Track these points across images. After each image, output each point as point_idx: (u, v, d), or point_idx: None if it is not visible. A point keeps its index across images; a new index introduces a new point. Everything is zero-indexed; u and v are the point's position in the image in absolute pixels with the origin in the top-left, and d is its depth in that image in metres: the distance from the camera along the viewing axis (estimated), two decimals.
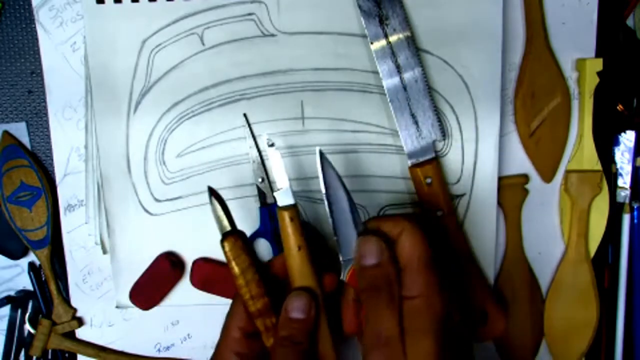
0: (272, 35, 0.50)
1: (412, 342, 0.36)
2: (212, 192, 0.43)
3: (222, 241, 0.42)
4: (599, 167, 0.53)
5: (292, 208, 0.42)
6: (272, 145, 0.43)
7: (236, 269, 0.41)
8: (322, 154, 0.41)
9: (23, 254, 0.57)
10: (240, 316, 0.43)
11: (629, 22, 0.55)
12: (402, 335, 0.36)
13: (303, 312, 0.41)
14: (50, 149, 0.55)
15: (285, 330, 0.41)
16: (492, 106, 0.51)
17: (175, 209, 0.53)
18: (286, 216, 0.41)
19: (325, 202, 0.41)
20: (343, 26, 0.50)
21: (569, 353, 0.55)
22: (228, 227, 0.42)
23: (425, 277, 0.37)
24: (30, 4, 0.53)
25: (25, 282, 0.57)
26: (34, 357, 0.57)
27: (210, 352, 0.56)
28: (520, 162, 0.54)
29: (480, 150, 0.51)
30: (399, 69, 0.50)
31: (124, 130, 0.52)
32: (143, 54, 0.51)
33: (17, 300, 0.57)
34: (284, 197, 0.42)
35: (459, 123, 0.51)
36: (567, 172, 0.54)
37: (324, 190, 0.41)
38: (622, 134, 0.55)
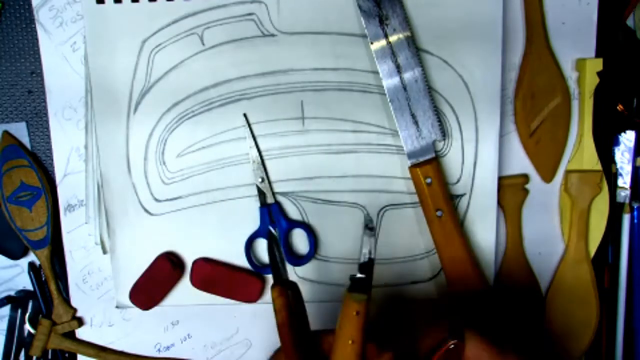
0: (272, 35, 0.50)
1: None
2: (272, 238, 0.41)
3: (271, 288, 0.40)
4: (599, 167, 0.53)
5: (363, 302, 0.37)
6: (371, 228, 0.39)
7: (277, 320, 0.39)
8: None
9: (23, 254, 0.57)
10: None
11: (629, 22, 0.55)
12: None
13: None
14: (50, 149, 0.55)
15: None
16: (492, 106, 0.51)
17: (175, 209, 0.53)
18: (354, 308, 0.37)
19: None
20: (343, 26, 0.50)
21: (569, 353, 0.55)
22: (279, 277, 0.40)
23: None
24: (30, 4, 0.53)
25: (25, 282, 0.57)
26: (34, 357, 0.57)
27: (211, 352, 0.57)
28: (520, 162, 0.54)
29: (480, 150, 0.51)
30: (399, 69, 0.50)
31: (124, 130, 0.52)
32: (143, 54, 0.51)
33: (17, 300, 0.57)
34: (358, 285, 0.37)
35: (459, 123, 0.51)
36: (567, 172, 0.54)
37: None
38: (622, 134, 0.55)
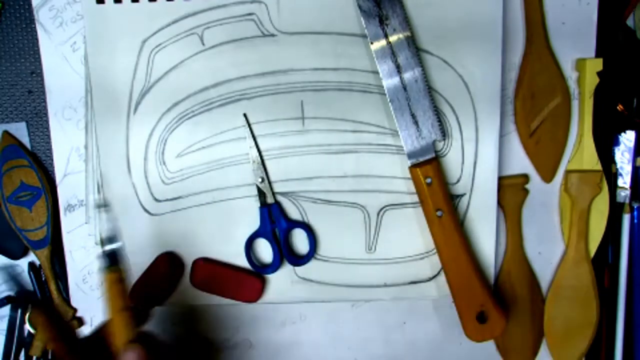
0: (272, 35, 0.50)
1: None
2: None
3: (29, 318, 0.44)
4: (599, 167, 0.53)
5: (123, 270, 0.42)
6: (100, 205, 0.43)
7: (48, 345, 0.43)
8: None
9: (23, 254, 0.57)
10: None
11: (629, 22, 0.55)
12: None
13: None
14: (50, 149, 0.55)
15: None
16: (492, 106, 0.51)
17: (175, 209, 0.53)
18: (116, 277, 0.41)
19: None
20: (343, 26, 0.50)
21: (569, 353, 0.55)
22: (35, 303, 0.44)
23: None
24: (30, 4, 0.53)
25: (25, 282, 0.57)
26: (34, 357, 0.57)
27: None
28: (520, 162, 0.54)
29: (480, 150, 0.51)
30: (399, 69, 0.50)
31: (124, 130, 0.52)
32: (143, 54, 0.51)
33: (17, 300, 0.57)
34: (111, 258, 0.42)
35: (459, 123, 0.51)
36: (567, 172, 0.54)
37: None
38: (622, 134, 0.55)
